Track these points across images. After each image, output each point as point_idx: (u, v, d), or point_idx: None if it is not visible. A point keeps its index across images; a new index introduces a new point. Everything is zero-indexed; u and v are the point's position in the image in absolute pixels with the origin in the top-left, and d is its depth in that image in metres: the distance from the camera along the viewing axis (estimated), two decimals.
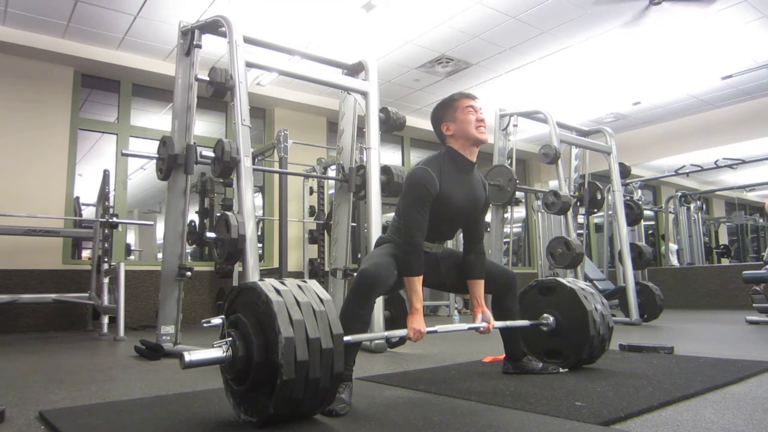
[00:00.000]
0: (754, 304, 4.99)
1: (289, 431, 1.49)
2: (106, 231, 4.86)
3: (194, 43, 3.29)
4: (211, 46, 4.57)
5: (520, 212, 9.55)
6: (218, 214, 3.80)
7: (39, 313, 5.21)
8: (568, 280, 2.57)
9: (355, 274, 2.05)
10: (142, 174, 8.88)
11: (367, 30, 5.30)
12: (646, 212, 8.39)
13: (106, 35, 5.33)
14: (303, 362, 1.42)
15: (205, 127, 7.14)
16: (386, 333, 2.16)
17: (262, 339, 1.49)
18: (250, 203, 2.84)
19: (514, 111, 4.95)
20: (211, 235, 2.85)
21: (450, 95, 2.26)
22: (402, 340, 3.07)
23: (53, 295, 4.68)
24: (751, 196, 11.05)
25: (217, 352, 1.53)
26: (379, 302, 3.13)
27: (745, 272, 4.99)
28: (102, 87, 6.15)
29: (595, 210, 5.58)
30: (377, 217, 3.43)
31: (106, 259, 4.80)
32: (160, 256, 8.27)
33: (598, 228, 8.63)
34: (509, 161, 4.94)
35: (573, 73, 6.40)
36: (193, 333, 4.74)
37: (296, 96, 6.81)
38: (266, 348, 1.47)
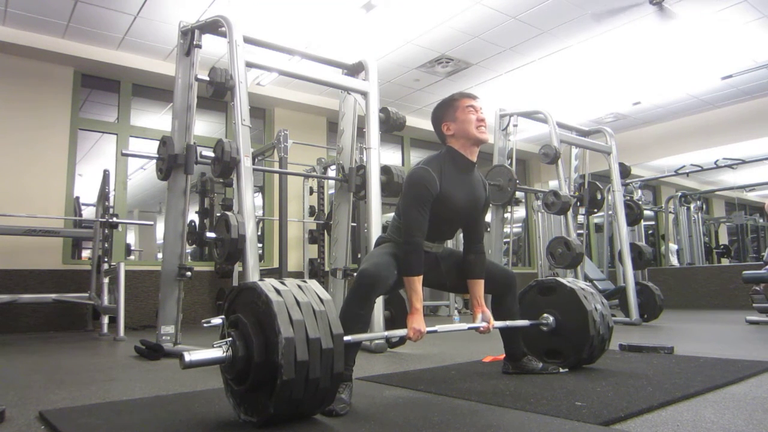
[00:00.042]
0: (754, 304, 4.99)
1: (289, 431, 1.49)
2: (106, 231, 4.86)
3: (194, 43, 3.30)
4: (211, 46, 4.57)
5: (520, 212, 9.54)
6: (218, 214, 3.80)
7: (39, 313, 5.21)
8: (568, 280, 2.57)
9: (355, 274, 2.05)
10: (142, 174, 8.88)
11: (367, 30, 5.30)
12: (646, 212, 8.38)
13: (106, 35, 5.33)
14: (303, 362, 1.42)
15: (205, 127, 7.14)
16: (386, 333, 2.16)
17: (262, 339, 1.49)
18: (250, 203, 2.84)
19: (514, 111, 4.96)
20: (211, 235, 2.86)
21: (450, 95, 2.25)
22: (402, 340, 3.07)
23: (53, 295, 4.68)
24: (751, 196, 11.04)
25: (217, 352, 1.53)
26: (379, 302, 3.13)
27: (745, 272, 4.99)
28: (102, 87, 6.15)
29: (595, 210, 5.58)
30: (377, 217, 3.43)
31: (106, 259, 4.80)
32: (160, 256, 8.28)
33: (598, 228, 8.62)
34: (509, 161, 4.94)
35: (573, 73, 6.40)
36: (193, 333, 4.73)
37: (296, 96, 6.81)
38: (266, 348, 1.47)
